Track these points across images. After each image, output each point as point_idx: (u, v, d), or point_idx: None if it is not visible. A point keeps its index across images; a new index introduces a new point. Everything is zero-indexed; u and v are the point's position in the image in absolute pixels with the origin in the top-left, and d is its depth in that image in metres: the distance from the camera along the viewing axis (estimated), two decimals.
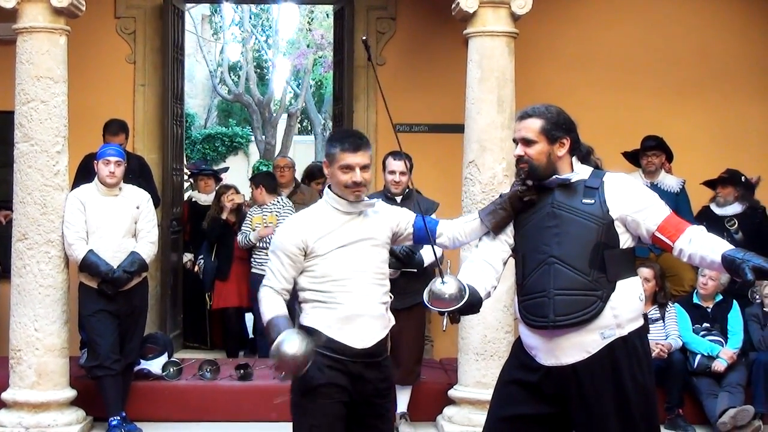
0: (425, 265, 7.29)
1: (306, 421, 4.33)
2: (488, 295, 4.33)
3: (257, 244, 9.07)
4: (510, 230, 4.38)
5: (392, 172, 7.50)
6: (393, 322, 4.54)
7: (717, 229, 8.15)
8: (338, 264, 4.38)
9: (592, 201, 4.19)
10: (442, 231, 4.59)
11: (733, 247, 4.04)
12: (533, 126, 4.27)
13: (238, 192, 9.91)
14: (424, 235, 4.55)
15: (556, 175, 4.26)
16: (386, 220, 4.56)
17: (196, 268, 9.87)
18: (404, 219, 4.61)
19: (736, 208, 8.64)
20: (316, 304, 4.41)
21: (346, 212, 4.46)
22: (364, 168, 4.42)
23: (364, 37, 4.72)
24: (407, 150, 7.82)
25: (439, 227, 4.61)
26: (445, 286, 4.11)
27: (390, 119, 4.58)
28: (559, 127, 4.28)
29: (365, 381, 4.38)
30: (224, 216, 9.56)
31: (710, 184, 8.76)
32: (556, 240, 4.18)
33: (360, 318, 4.36)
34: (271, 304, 4.42)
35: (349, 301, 4.36)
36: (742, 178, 8.70)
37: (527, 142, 4.28)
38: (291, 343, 4.16)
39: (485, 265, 4.35)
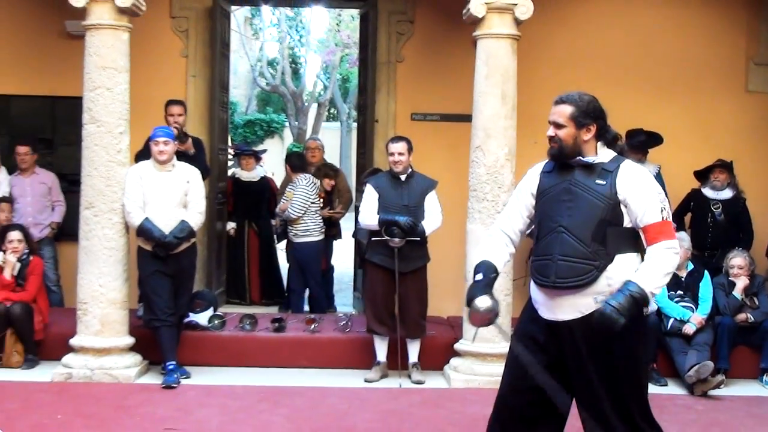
0: (426, 234, 7.48)
1: None
2: (506, 263, 4.47)
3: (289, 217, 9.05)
4: (531, 202, 4.36)
5: (392, 154, 7.52)
6: None
7: (703, 211, 8.52)
8: None
9: (604, 182, 4.14)
10: None
11: (637, 281, 4.02)
12: (564, 111, 4.23)
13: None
14: None
15: (580, 157, 4.22)
16: None
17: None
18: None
19: (727, 194, 8.69)
20: None
21: None
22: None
23: None
24: (423, 137, 7.99)
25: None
26: (483, 307, 4.21)
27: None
28: (588, 114, 4.23)
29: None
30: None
31: (702, 173, 8.77)
32: (567, 213, 4.15)
33: None
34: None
35: None
36: (732, 165, 8.78)
37: (558, 126, 4.24)
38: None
39: (502, 236, 4.44)
